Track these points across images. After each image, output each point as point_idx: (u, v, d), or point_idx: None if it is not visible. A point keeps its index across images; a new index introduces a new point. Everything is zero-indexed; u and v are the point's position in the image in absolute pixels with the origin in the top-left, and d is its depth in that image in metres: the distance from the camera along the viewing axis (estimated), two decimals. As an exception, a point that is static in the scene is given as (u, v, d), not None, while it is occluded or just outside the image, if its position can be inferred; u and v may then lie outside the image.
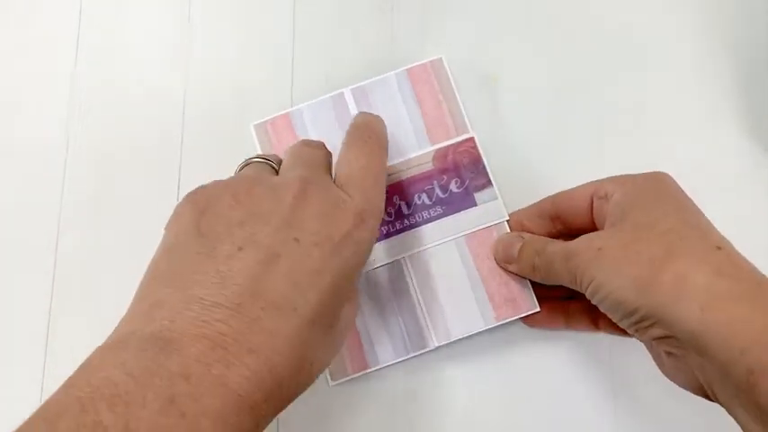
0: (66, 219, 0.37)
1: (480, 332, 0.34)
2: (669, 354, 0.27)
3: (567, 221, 0.33)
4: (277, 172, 0.30)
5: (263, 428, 0.23)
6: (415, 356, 0.34)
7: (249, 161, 0.30)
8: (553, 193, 0.34)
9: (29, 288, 0.36)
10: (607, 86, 0.39)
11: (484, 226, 0.35)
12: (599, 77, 0.39)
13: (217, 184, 0.27)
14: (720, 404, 0.25)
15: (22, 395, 0.35)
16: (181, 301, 0.22)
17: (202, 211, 0.25)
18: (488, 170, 0.36)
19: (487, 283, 0.35)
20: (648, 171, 0.31)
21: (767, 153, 0.38)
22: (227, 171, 0.37)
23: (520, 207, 0.35)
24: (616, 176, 0.31)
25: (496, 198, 0.36)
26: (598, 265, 0.27)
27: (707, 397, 0.26)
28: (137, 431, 0.19)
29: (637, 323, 0.27)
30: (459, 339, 0.34)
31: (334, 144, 0.36)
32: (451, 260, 0.35)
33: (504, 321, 0.34)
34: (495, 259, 0.35)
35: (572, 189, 0.33)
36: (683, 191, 0.30)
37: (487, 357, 0.35)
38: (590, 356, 0.35)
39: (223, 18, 0.40)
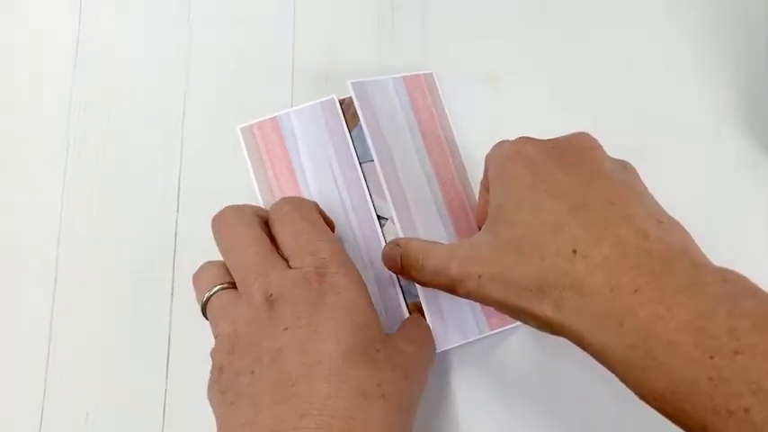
0: (66, 219, 0.37)
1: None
2: None
3: None
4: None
5: None
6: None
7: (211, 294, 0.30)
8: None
9: (30, 289, 0.36)
10: (607, 87, 0.39)
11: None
12: (599, 78, 0.39)
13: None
14: None
15: (24, 397, 0.35)
16: None
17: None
18: None
19: None
20: (512, 142, 0.30)
21: (767, 153, 0.38)
22: (226, 172, 0.38)
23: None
24: (489, 158, 0.30)
25: None
26: (487, 293, 0.27)
27: None
28: None
29: None
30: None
31: (325, 153, 0.36)
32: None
33: (496, 331, 0.34)
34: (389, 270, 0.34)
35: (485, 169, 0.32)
36: (534, 160, 0.28)
37: (484, 357, 0.35)
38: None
39: (222, 18, 0.40)
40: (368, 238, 0.35)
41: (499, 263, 0.26)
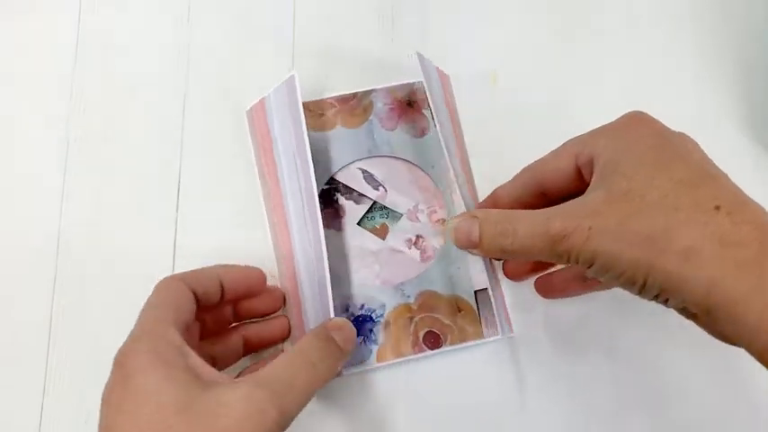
0: (67, 217, 0.37)
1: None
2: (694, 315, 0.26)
3: (553, 195, 0.30)
4: None
5: None
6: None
7: None
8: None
9: (30, 289, 0.36)
10: (607, 87, 0.39)
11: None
12: (599, 78, 0.39)
13: None
14: None
15: (24, 397, 0.35)
16: None
17: None
18: None
19: (495, 292, 0.35)
20: (623, 115, 0.29)
21: (767, 153, 0.38)
22: (226, 172, 0.38)
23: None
24: (594, 132, 0.29)
25: None
26: (595, 247, 0.26)
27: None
28: None
29: (653, 298, 0.26)
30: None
31: (288, 132, 0.34)
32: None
33: (510, 334, 0.35)
34: (457, 245, 0.31)
35: (551, 156, 0.31)
36: (661, 129, 0.28)
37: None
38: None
39: (222, 17, 0.40)
40: (313, 234, 0.33)
41: (615, 213, 0.25)
